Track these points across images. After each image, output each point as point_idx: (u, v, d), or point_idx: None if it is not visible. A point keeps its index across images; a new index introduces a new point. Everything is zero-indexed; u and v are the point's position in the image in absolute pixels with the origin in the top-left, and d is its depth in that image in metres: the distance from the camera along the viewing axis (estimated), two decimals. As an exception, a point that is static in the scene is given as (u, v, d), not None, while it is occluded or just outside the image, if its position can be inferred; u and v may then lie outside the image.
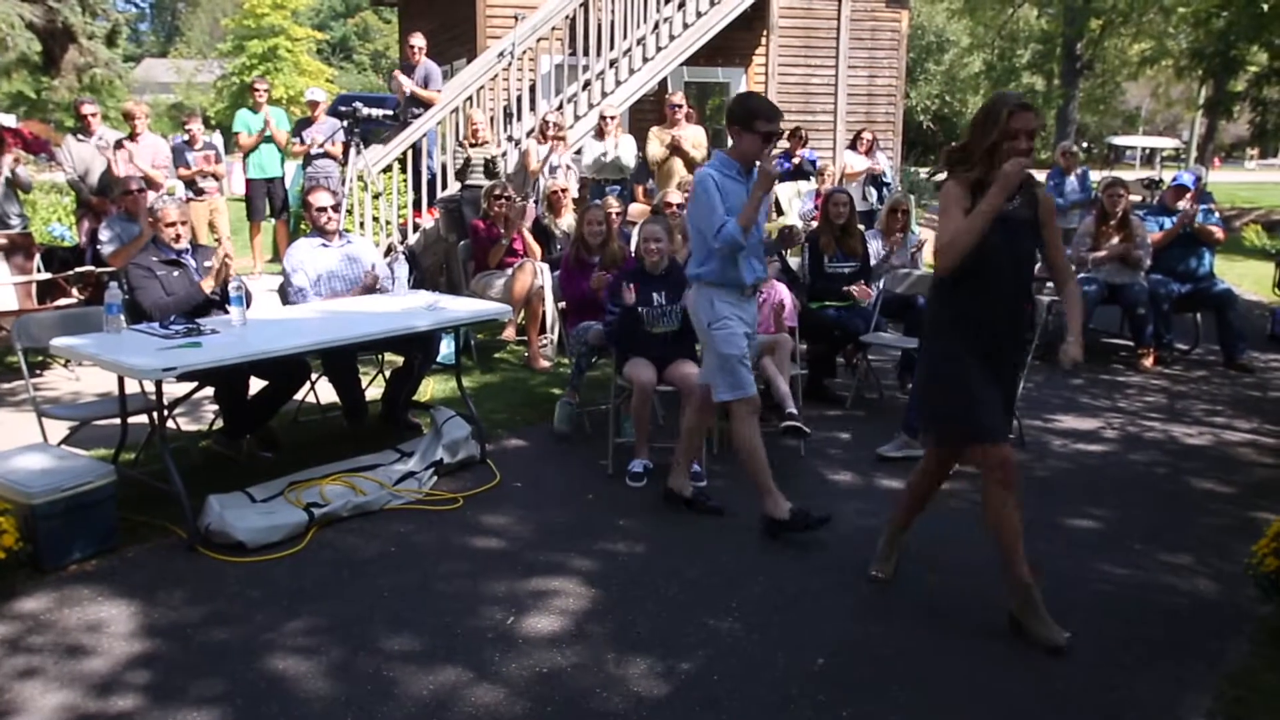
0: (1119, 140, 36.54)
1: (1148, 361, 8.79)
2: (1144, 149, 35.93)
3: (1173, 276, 9.02)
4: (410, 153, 10.38)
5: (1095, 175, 13.32)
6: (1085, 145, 32.27)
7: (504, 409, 6.98)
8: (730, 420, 5.07)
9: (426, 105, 10.68)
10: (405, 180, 10.48)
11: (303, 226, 10.05)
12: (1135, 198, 10.52)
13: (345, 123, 9.91)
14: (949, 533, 4.92)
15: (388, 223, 10.29)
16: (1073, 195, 12.09)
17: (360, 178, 9.90)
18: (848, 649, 3.96)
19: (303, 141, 11.08)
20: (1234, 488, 5.93)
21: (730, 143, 5.00)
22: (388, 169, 10.31)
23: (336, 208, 6.58)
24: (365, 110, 9.79)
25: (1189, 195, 9.70)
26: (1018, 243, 3.98)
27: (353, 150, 9.80)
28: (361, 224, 9.89)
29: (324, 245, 6.45)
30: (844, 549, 4.89)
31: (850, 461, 6.11)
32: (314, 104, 11.63)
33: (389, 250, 9.22)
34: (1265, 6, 17.13)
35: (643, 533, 5.02)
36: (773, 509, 4.87)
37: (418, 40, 11.06)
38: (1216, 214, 9.83)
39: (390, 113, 10.79)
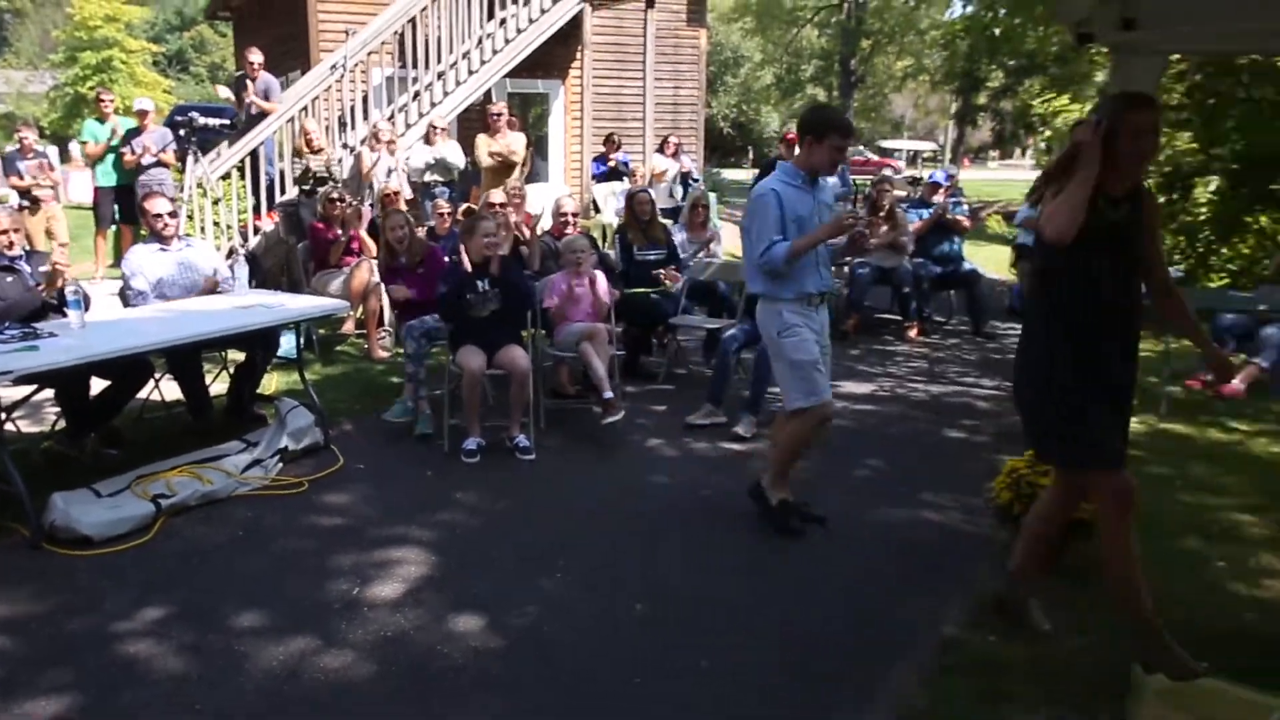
0: (887, 143, 38.15)
1: (913, 333, 9.28)
2: (908, 151, 37.69)
3: (930, 260, 9.53)
4: (249, 160, 9.97)
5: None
6: (859, 148, 33.54)
7: (346, 398, 6.78)
8: (792, 419, 4.59)
9: (265, 115, 10.27)
10: (245, 186, 10.04)
11: (141, 232, 9.49)
12: (900, 193, 11.03)
13: (181, 132, 9.40)
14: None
15: (228, 227, 9.85)
16: (835, 190, 12.34)
17: (200, 184, 9.44)
18: (665, 596, 4.03)
19: (133, 151, 10.40)
20: (982, 436, 6.33)
21: (796, 151, 4.58)
22: (227, 175, 9.88)
23: (174, 214, 6.23)
24: (202, 120, 9.31)
25: (943, 190, 10.26)
26: (1127, 251, 3.34)
27: (190, 158, 9.32)
28: (202, 228, 9.45)
29: (162, 250, 6.09)
30: (659, 509, 5.00)
31: (664, 429, 6.20)
32: (143, 113, 10.89)
33: (230, 253, 8.84)
34: (996, 32, 18.28)
35: (478, 504, 4.97)
36: (774, 491, 4.63)
37: (255, 56, 10.59)
38: (965, 206, 10.40)
39: (227, 122, 10.28)
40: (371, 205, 9.03)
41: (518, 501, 5.03)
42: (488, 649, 3.58)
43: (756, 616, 3.88)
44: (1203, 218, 10.56)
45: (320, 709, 3.23)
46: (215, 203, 9.69)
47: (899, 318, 9.50)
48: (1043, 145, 17.23)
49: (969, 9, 23.70)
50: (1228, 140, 9.90)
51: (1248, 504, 5.20)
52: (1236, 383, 7.41)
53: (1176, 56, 9.55)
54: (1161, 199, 10.79)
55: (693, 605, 3.94)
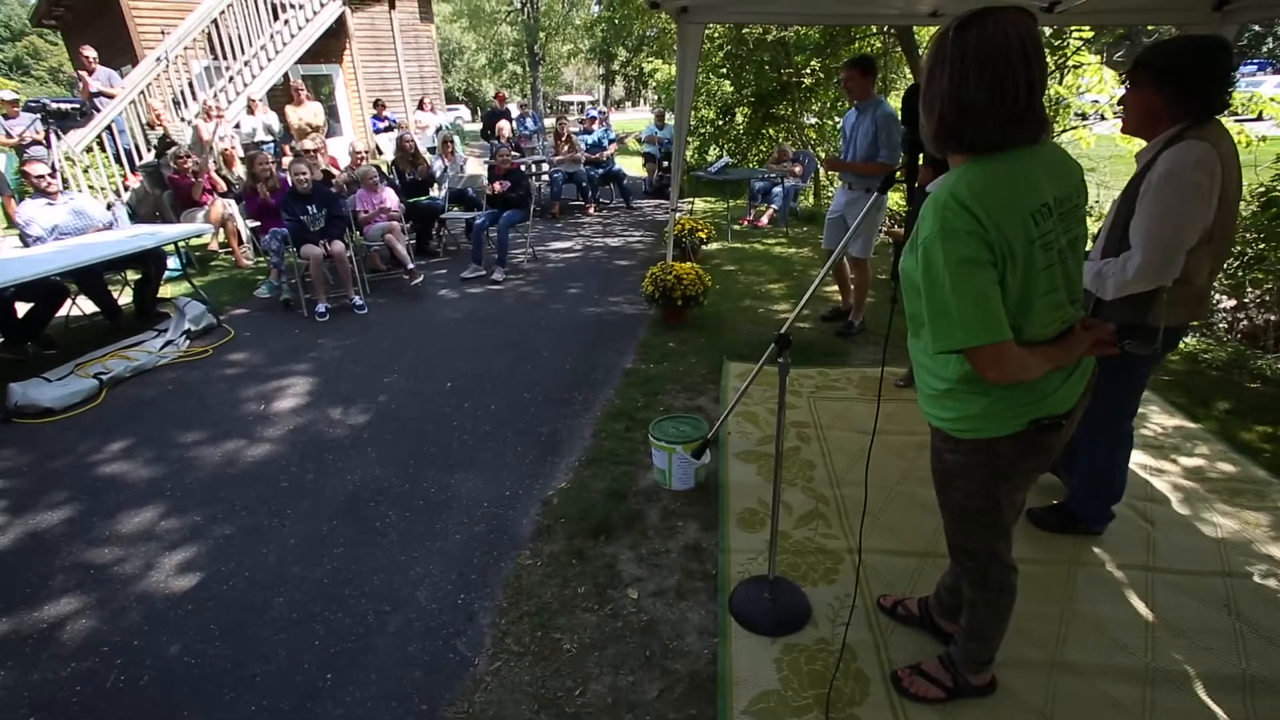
0: (564, 97, 36.75)
1: (590, 210, 9.34)
2: (577, 102, 36.50)
3: (596, 165, 9.54)
4: (106, 134, 8.08)
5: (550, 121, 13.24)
6: (548, 103, 32.16)
7: (227, 292, 5.99)
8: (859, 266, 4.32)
9: (111, 99, 8.28)
10: (107, 155, 8.17)
11: (26, 190, 7.56)
12: (575, 128, 10.78)
13: (39, 115, 7.45)
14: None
15: (102, 188, 8.04)
16: (534, 128, 11.87)
17: (66, 156, 7.59)
18: (463, 375, 4.04)
19: (8, 134, 8.13)
20: (636, 262, 6.61)
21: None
22: (89, 149, 7.98)
23: (53, 174, 5.06)
24: (54, 105, 7.40)
25: (596, 123, 10.18)
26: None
27: (53, 137, 7.43)
28: (79, 190, 7.66)
29: (49, 204, 4.97)
30: (452, 327, 4.88)
31: (448, 284, 6.01)
32: (13, 103, 8.45)
33: (109, 206, 7.31)
34: (616, 21, 17.88)
35: (334, 343, 4.68)
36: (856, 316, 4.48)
37: (89, 51, 8.37)
38: (612, 132, 10.39)
39: (78, 105, 8.21)
40: (214, 161, 7.69)
41: (360, 338, 4.78)
42: (357, 424, 3.52)
43: (519, 376, 4.02)
44: (742, 130, 11.09)
45: (253, 479, 3.08)
46: (85, 170, 7.84)
47: (581, 202, 9.53)
48: (652, 96, 17.35)
49: (597, 10, 23.13)
50: (748, 85, 10.31)
51: (773, 279, 5.90)
52: (764, 220, 8.23)
53: (717, 28, 9.83)
54: (720, 121, 11.22)
55: (480, 378, 4.02)
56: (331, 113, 12.65)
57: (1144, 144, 1.95)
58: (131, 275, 5.59)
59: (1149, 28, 7.71)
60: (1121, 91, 6.23)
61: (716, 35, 10.01)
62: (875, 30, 8.77)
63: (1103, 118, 7.76)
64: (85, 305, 5.24)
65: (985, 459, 1.48)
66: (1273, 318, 4.59)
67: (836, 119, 10.08)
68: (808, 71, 9.53)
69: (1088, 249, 1.73)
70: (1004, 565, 1.65)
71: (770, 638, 2.06)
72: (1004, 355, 1.29)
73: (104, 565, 2.50)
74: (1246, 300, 4.59)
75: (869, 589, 2.24)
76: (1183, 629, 2.12)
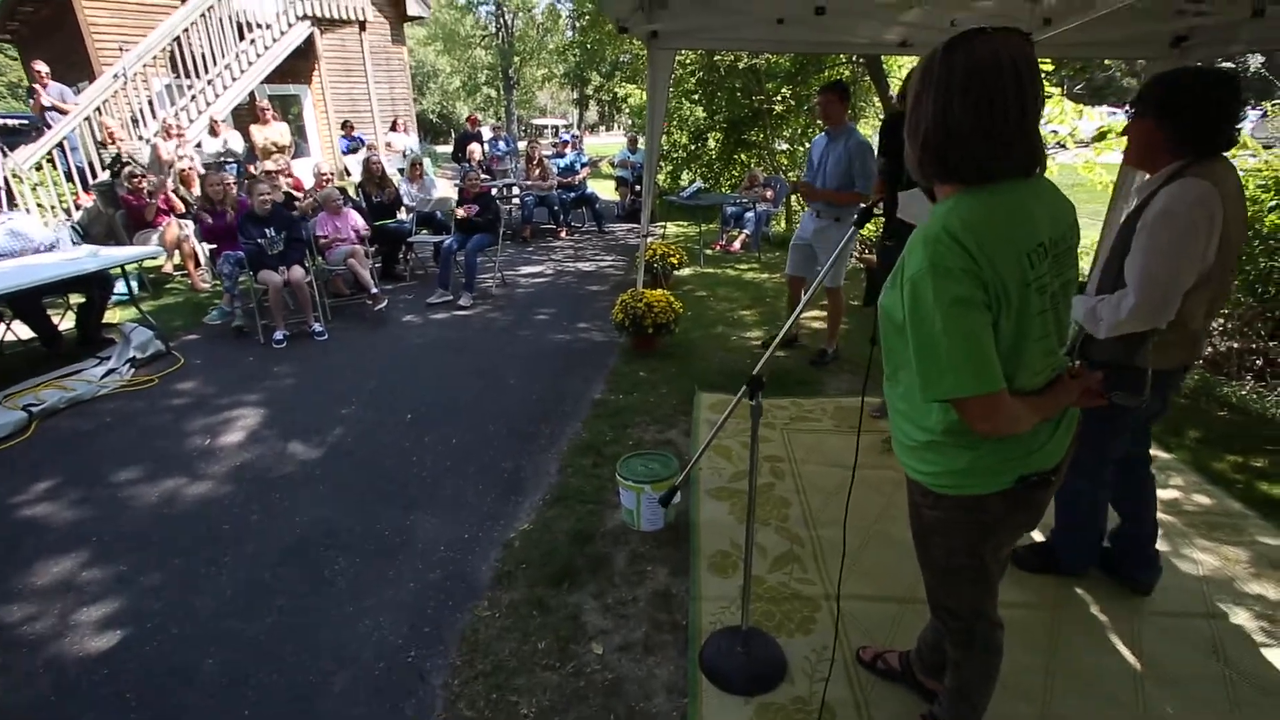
0: (538, 121, 36.80)
1: (562, 234, 9.23)
2: (551, 126, 36.57)
3: (568, 189, 9.45)
4: (57, 151, 7.76)
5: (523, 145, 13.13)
6: (522, 127, 32.15)
7: (179, 317, 5.71)
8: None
9: (64, 115, 7.97)
10: (57, 173, 7.84)
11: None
12: (548, 151, 10.70)
13: (-16, 133, 7.14)
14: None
15: (51, 206, 7.69)
16: (506, 150, 11.66)
17: (14, 173, 7.25)
18: (425, 405, 3.86)
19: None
20: (608, 287, 6.50)
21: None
22: (39, 166, 7.65)
23: (-10, 194, 4.78)
24: (2, 120, 7.09)
25: (569, 146, 10.11)
26: None
27: (0, 155, 7.11)
28: (27, 209, 7.32)
29: (-15, 223, 4.70)
30: (416, 354, 4.70)
31: (413, 308, 5.81)
32: None
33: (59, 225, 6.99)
34: (589, 46, 17.96)
35: (290, 372, 4.46)
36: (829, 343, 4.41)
37: (42, 67, 8.08)
38: (585, 156, 10.33)
39: (26, 121, 7.88)
40: (172, 180, 7.42)
41: (319, 366, 4.57)
42: (310, 459, 3.31)
43: (484, 407, 3.84)
44: (714, 155, 11.10)
45: (192, 520, 2.85)
46: (34, 188, 7.50)
47: (553, 225, 9.42)
48: (625, 121, 17.34)
49: (570, 35, 23.40)
50: (720, 111, 10.35)
51: (745, 305, 5.83)
52: (736, 245, 8.20)
53: (689, 54, 9.87)
54: (693, 146, 11.23)
55: (443, 409, 3.84)
56: (299, 133, 12.44)
57: (1109, 172, 1.91)
58: (75, 299, 5.30)
59: (1106, 62, 7.92)
60: (1084, 122, 6.36)
61: (689, 62, 10.05)
62: (845, 59, 8.89)
63: (1063, 147, 7.92)
64: (21, 330, 4.94)
65: (970, 516, 1.36)
66: (1235, 345, 4.63)
67: (807, 145, 10.15)
68: (779, 98, 9.61)
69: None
70: (990, 624, 1.54)
71: (744, 697, 1.91)
72: (998, 406, 1.18)
73: (11, 625, 2.26)
74: (1212, 328, 4.63)
75: (847, 640, 2.11)
76: (1172, 677, 2.02)
